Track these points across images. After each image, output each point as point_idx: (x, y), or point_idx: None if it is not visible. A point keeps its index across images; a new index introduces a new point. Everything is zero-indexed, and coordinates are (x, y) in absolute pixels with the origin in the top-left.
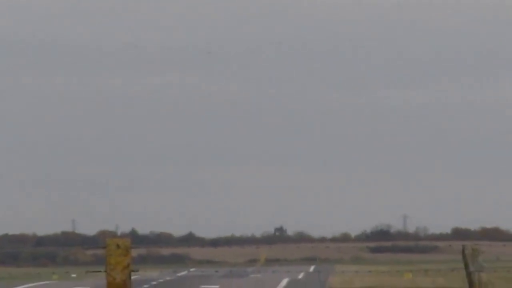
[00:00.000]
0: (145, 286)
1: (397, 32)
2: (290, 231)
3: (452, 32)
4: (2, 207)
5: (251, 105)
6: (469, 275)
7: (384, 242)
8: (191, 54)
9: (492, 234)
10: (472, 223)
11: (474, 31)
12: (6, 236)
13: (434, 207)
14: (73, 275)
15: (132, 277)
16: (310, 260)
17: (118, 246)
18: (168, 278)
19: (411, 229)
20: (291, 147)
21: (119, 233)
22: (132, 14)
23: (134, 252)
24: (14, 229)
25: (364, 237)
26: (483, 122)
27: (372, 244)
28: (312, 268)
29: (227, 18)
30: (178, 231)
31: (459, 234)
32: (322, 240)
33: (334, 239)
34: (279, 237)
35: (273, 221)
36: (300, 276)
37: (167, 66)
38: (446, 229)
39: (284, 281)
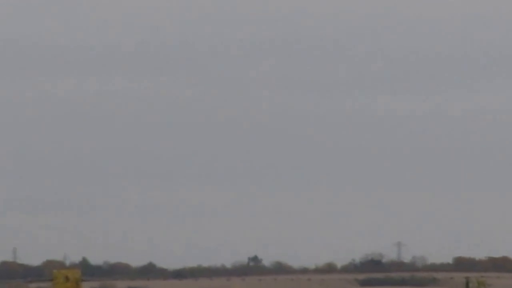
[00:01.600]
0: None
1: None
2: (267, 261)
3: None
4: None
5: (223, 118)
6: None
7: (376, 274)
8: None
9: (501, 264)
10: (478, 252)
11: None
12: None
13: (433, 233)
14: None
15: None
16: None
17: (67, 278)
18: None
19: (406, 258)
20: (266, 165)
21: (67, 263)
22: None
23: (86, 286)
24: None
25: (352, 268)
26: (491, 140)
27: (362, 276)
28: None
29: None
30: (136, 261)
31: (462, 264)
32: (304, 271)
33: (317, 270)
34: (253, 267)
35: (246, 249)
36: None
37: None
38: (447, 258)
39: None
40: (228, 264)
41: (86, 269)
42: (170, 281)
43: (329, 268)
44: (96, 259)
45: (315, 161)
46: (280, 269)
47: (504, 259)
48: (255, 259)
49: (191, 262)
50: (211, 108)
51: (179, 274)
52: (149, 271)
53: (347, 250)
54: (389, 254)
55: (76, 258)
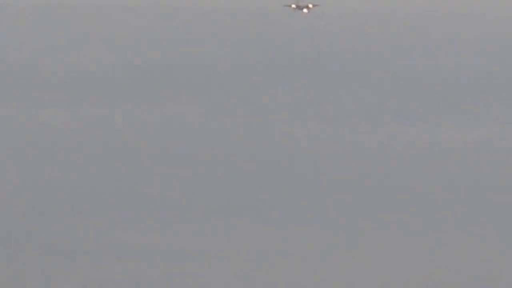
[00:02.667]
0: None
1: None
2: None
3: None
4: None
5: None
6: None
7: None
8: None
9: None
10: None
11: None
12: None
13: (474, 281)
14: None
15: None
16: None
17: None
18: None
19: None
20: (290, 209)
21: None
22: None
23: None
24: None
25: None
26: None
27: None
28: None
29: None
30: None
31: None
32: None
33: None
34: None
35: None
36: None
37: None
38: None
39: None
40: None
41: None
42: None
43: None
44: None
45: (324, 200)
46: None
47: None
48: None
49: None
50: (221, 146)
51: None
52: None
53: None
54: None
55: None
